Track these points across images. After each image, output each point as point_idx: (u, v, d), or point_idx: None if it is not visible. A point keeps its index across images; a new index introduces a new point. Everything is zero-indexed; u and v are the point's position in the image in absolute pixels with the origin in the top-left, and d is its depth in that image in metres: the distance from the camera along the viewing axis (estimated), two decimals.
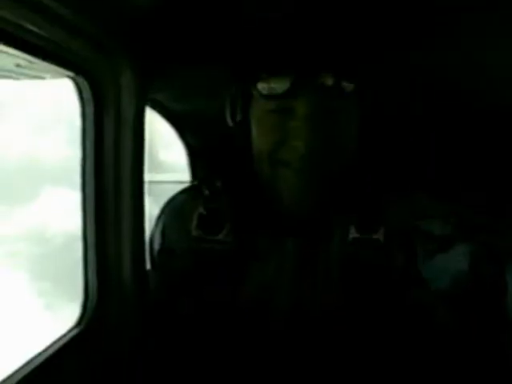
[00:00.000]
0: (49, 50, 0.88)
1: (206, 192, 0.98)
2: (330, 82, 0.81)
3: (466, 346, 0.85)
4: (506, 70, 1.08)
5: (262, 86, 0.84)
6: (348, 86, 0.83)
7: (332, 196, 0.92)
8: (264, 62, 0.84)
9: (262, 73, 0.83)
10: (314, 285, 0.91)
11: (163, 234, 1.03)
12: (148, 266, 1.04)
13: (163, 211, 1.06)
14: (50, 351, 0.87)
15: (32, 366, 0.83)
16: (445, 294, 0.84)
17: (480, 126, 1.17)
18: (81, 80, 0.96)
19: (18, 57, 0.84)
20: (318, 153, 0.83)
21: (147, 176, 1.02)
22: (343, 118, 0.86)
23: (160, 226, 1.04)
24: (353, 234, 0.91)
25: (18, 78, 0.99)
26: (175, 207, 1.05)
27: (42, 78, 1.02)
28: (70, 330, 0.93)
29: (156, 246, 1.04)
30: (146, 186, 1.03)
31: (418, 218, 0.90)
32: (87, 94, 0.97)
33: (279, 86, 0.81)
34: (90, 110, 0.97)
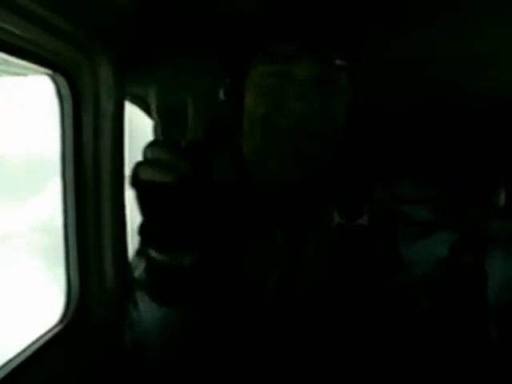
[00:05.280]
0: (26, 49, 0.88)
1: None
2: (328, 55, 0.84)
3: (446, 331, 0.85)
4: (492, 60, 1.06)
5: (267, 52, 0.85)
6: (343, 63, 0.85)
7: (319, 175, 0.92)
8: (268, 29, 0.85)
9: (267, 39, 0.85)
10: (302, 271, 0.93)
11: None
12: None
13: None
14: (33, 348, 0.88)
15: (14, 364, 0.83)
16: (425, 279, 0.85)
17: (464, 113, 1.15)
18: (59, 77, 0.96)
19: None
20: (311, 119, 0.84)
21: None
22: (336, 93, 0.87)
23: None
24: (337, 219, 0.92)
25: None
26: None
27: (24, 74, 1.03)
28: (52, 328, 0.94)
29: None
30: None
31: (401, 203, 0.91)
32: (65, 90, 0.97)
33: (283, 50, 0.83)
34: (69, 106, 0.97)
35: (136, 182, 0.65)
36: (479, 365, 0.83)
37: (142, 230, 0.71)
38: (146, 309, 0.80)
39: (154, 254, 0.72)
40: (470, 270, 0.79)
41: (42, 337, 0.91)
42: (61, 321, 0.96)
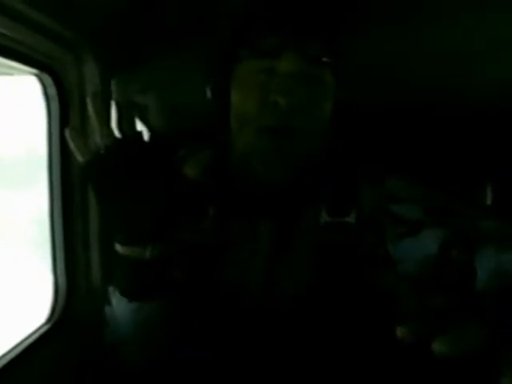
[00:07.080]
0: (12, 48, 0.87)
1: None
2: (313, 51, 0.83)
3: None
4: (480, 58, 1.07)
5: (252, 47, 0.85)
6: (329, 60, 0.85)
7: (306, 173, 0.92)
8: (254, 25, 0.85)
9: (253, 34, 0.85)
10: (287, 269, 0.92)
11: None
12: None
13: None
14: (20, 349, 0.88)
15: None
16: (413, 277, 0.85)
17: (452, 112, 1.15)
18: (45, 76, 0.96)
19: None
20: (296, 115, 0.83)
21: None
22: (322, 90, 0.87)
23: None
24: (324, 217, 0.91)
25: None
26: None
27: (11, 74, 1.02)
28: (39, 327, 0.94)
29: None
30: None
31: (390, 201, 0.90)
32: (52, 90, 0.96)
33: (268, 45, 0.83)
34: (55, 105, 0.97)
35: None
36: (470, 363, 0.83)
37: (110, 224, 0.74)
38: (117, 305, 0.80)
39: (118, 247, 0.74)
40: (458, 268, 0.79)
41: (28, 337, 0.91)
42: (48, 320, 0.96)
